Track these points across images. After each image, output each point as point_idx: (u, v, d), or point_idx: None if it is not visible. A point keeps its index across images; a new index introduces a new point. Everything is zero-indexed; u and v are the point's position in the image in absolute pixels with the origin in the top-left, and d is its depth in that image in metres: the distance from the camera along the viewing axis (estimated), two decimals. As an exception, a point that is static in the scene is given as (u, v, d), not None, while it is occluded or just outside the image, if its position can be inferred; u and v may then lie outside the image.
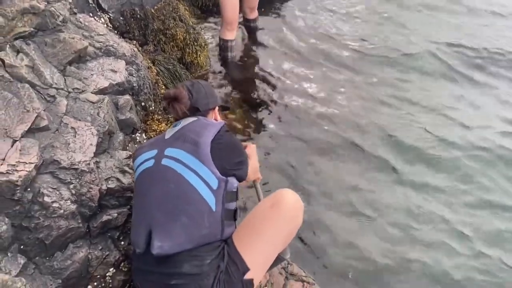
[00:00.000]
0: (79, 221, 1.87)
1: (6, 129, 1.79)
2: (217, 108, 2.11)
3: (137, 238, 1.69)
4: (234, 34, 3.68)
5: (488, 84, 3.82)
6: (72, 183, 1.86)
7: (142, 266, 1.71)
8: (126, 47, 2.60)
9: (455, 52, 4.12)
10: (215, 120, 2.03)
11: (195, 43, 3.50)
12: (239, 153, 1.84)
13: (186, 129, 1.79)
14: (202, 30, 3.92)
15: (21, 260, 1.73)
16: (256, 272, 1.70)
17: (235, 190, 1.77)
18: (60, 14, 2.27)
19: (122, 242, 2.05)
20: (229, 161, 1.74)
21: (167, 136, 1.81)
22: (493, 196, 2.86)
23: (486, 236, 2.63)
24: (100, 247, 1.97)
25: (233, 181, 1.75)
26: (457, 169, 3.00)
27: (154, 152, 1.77)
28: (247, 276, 1.67)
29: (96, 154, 2.02)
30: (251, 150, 2.15)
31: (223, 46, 3.72)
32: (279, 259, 1.88)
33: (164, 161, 1.71)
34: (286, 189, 1.85)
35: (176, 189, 1.66)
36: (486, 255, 2.53)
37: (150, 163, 1.75)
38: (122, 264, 2.03)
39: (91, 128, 2.06)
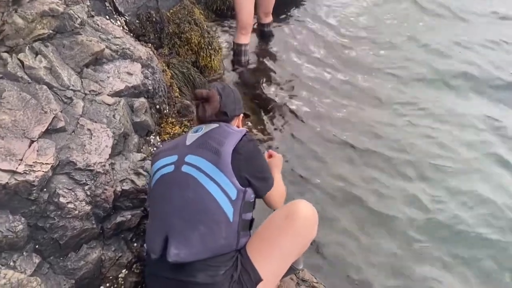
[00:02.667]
0: (93, 222, 1.89)
1: (24, 130, 1.82)
2: (241, 115, 2.08)
3: (153, 243, 1.69)
4: (248, 39, 3.70)
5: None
6: (87, 184, 1.88)
7: (156, 272, 1.71)
8: (142, 50, 2.62)
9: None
10: (238, 127, 2.00)
11: (210, 47, 3.52)
12: (259, 168, 1.79)
13: (208, 136, 1.76)
14: (217, 34, 3.94)
15: (36, 260, 1.75)
16: (268, 282, 1.70)
17: (253, 200, 1.76)
18: (78, 16, 2.31)
19: (135, 244, 2.06)
20: (248, 172, 1.71)
21: (188, 142, 1.78)
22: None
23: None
24: (113, 248, 1.98)
25: (251, 192, 1.73)
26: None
27: (174, 157, 1.75)
28: (260, 286, 1.67)
29: (111, 156, 2.04)
30: (276, 161, 2.09)
31: (237, 50, 3.73)
32: (291, 269, 1.87)
33: (185, 168, 1.70)
34: (302, 200, 1.84)
35: (195, 197, 1.65)
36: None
37: (170, 168, 1.73)
38: (135, 265, 2.04)
39: (106, 130, 2.08)
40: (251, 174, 1.72)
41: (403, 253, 2.52)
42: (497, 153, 3.10)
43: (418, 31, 4.39)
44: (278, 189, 1.91)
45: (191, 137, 1.81)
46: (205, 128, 1.82)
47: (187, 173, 1.69)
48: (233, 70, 3.76)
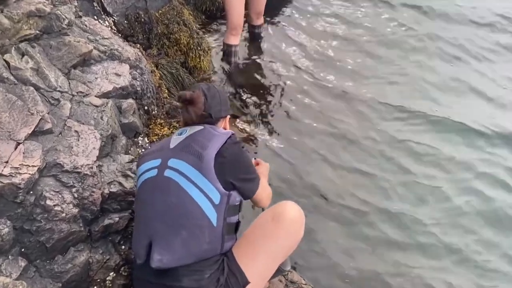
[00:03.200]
0: (81, 225, 1.88)
1: (10, 132, 1.80)
2: (228, 116, 2.05)
3: (138, 248, 1.69)
4: (238, 39, 3.69)
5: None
6: (75, 187, 1.86)
7: (142, 276, 1.71)
8: (130, 51, 2.61)
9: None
10: (224, 129, 1.98)
11: (199, 48, 3.51)
12: (244, 170, 1.77)
13: (192, 139, 1.74)
14: (206, 35, 3.93)
15: (22, 263, 1.74)
16: (256, 284, 1.70)
17: (238, 203, 1.74)
18: (66, 17, 2.29)
19: (123, 246, 2.05)
20: (233, 175, 1.69)
21: (172, 145, 1.76)
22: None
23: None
24: (101, 251, 1.97)
25: (236, 195, 1.71)
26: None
27: (158, 161, 1.73)
28: None
29: (98, 158, 2.02)
30: (262, 169, 2.08)
31: (227, 51, 3.73)
32: (279, 271, 1.87)
33: (167, 173, 1.68)
34: (288, 201, 1.84)
35: (177, 203, 1.64)
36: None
37: (153, 172, 1.72)
38: (123, 268, 2.03)
39: (94, 132, 2.06)
40: (236, 177, 1.70)
41: (390, 256, 2.55)
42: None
43: (411, 36, 4.40)
44: (265, 191, 1.90)
45: (175, 139, 1.78)
46: (190, 130, 1.79)
47: (169, 178, 1.67)
48: (223, 70, 3.75)
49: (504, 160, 3.15)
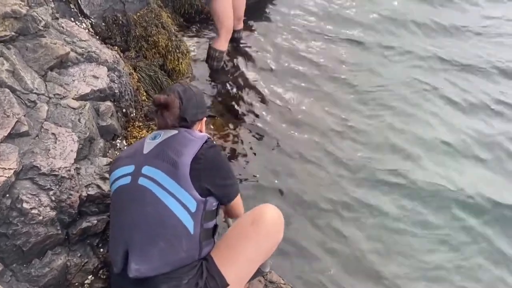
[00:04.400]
0: (58, 228, 1.86)
1: (-15, 134, 1.77)
2: (204, 119, 1.99)
3: (115, 256, 1.67)
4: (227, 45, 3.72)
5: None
6: (52, 190, 1.85)
7: (120, 284, 1.70)
8: (108, 53, 2.60)
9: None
10: (200, 131, 1.94)
11: (177, 50, 3.51)
12: (223, 175, 1.74)
13: (166, 144, 1.69)
14: (185, 38, 3.93)
15: (-2, 267, 1.71)
16: (234, 287, 1.71)
17: (215, 208, 1.73)
18: (42, 19, 2.26)
19: (101, 249, 2.04)
20: (209, 182, 1.67)
21: (145, 150, 1.71)
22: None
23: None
24: (79, 254, 1.96)
25: (212, 200, 1.70)
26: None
27: (131, 168, 1.69)
28: None
29: (76, 160, 2.01)
30: None
31: (218, 57, 3.69)
32: (258, 272, 1.89)
33: (141, 181, 1.65)
34: (268, 204, 1.84)
35: (153, 212, 1.61)
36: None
37: (127, 180, 1.68)
38: (101, 271, 2.02)
39: (72, 134, 2.05)
40: (213, 183, 1.68)
41: (372, 254, 2.60)
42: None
43: (396, 36, 4.52)
44: (239, 199, 1.90)
45: (148, 144, 1.73)
46: (164, 134, 1.74)
47: (144, 187, 1.64)
48: (202, 73, 3.76)
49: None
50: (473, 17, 4.88)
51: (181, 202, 1.61)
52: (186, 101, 1.83)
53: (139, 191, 1.65)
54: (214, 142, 1.81)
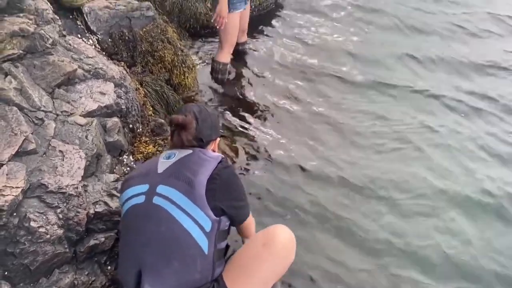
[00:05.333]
0: (66, 246, 1.85)
1: (-7, 153, 1.77)
2: (218, 138, 2.00)
3: (126, 277, 1.66)
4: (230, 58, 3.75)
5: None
6: (59, 207, 1.84)
7: None
8: (115, 69, 2.61)
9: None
10: (213, 151, 1.94)
11: (183, 65, 3.52)
12: (237, 195, 1.75)
13: (181, 164, 1.69)
14: (190, 52, 3.95)
15: (5, 287, 1.70)
16: None
17: (227, 228, 1.73)
18: (50, 36, 2.28)
19: (109, 267, 2.02)
20: (224, 202, 1.66)
21: (160, 169, 1.70)
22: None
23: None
24: (86, 272, 1.94)
25: (225, 220, 1.69)
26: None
27: (145, 187, 1.68)
28: None
29: (84, 177, 2.01)
30: None
31: (222, 69, 3.73)
32: None
33: (156, 200, 1.64)
34: (279, 225, 1.83)
35: (168, 231, 1.60)
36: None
37: (141, 199, 1.67)
38: (109, 289, 2.01)
39: (79, 151, 2.05)
40: (227, 204, 1.68)
41: (381, 275, 2.55)
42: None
43: (397, 47, 4.51)
44: (251, 219, 1.90)
45: (162, 163, 1.73)
46: (178, 154, 1.74)
47: (158, 205, 1.63)
48: (208, 87, 3.77)
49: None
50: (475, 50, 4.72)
51: (197, 222, 1.60)
52: (201, 121, 1.84)
53: (154, 210, 1.63)
54: (229, 162, 1.81)
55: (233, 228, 1.87)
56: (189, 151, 1.76)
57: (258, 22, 4.58)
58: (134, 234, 1.67)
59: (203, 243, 1.61)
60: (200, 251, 1.61)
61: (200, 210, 1.60)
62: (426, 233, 2.74)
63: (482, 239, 2.72)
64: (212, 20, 3.47)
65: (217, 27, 3.46)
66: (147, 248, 1.62)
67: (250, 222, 1.88)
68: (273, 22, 4.75)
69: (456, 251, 2.62)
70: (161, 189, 1.65)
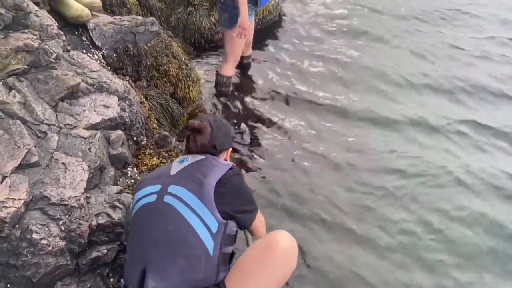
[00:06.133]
0: (68, 258, 1.85)
1: (-4, 165, 1.79)
2: (230, 149, 2.07)
3: (131, 274, 1.66)
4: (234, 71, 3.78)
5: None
6: (62, 219, 1.84)
7: None
8: (119, 83, 2.63)
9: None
10: (225, 160, 2.00)
11: (188, 79, 3.55)
12: (245, 201, 1.80)
13: (193, 167, 1.76)
14: (195, 66, 3.99)
15: (7, 300, 1.70)
16: None
17: (234, 233, 1.75)
18: (54, 51, 2.31)
19: (112, 279, 2.01)
20: (232, 207, 1.70)
21: (173, 172, 1.77)
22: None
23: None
24: (89, 285, 1.93)
25: (232, 224, 1.72)
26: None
27: (157, 187, 1.74)
28: None
29: (86, 189, 2.01)
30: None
31: (226, 82, 3.76)
32: None
33: (166, 198, 1.69)
34: (281, 231, 1.83)
35: (175, 229, 1.64)
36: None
37: (152, 198, 1.72)
38: (111, 302, 1.99)
39: (82, 164, 2.06)
40: (235, 209, 1.71)
41: (392, 274, 2.52)
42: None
43: (396, 63, 4.49)
44: (261, 221, 1.94)
45: (176, 167, 1.80)
46: (191, 159, 1.82)
47: (168, 204, 1.68)
48: (213, 100, 3.79)
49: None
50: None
51: (203, 221, 1.64)
52: (216, 129, 1.92)
53: (164, 208, 1.68)
54: (239, 170, 1.86)
55: (239, 236, 1.87)
56: (202, 157, 1.83)
57: (263, 35, 4.61)
58: (142, 233, 1.70)
59: (209, 243, 1.63)
60: (205, 251, 1.62)
61: (208, 211, 1.64)
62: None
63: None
64: (233, 34, 3.42)
65: (237, 38, 3.42)
66: (153, 245, 1.65)
67: (259, 223, 1.91)
68: (277, 34, 4.79)
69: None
70: (172, 188, 1.70)
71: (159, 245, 1.64)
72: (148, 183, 1.79)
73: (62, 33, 2.50)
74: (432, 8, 5.46)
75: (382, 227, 2.79)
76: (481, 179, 3.16)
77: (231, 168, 1.77)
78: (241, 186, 1.79)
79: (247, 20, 3.33)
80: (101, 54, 3.10)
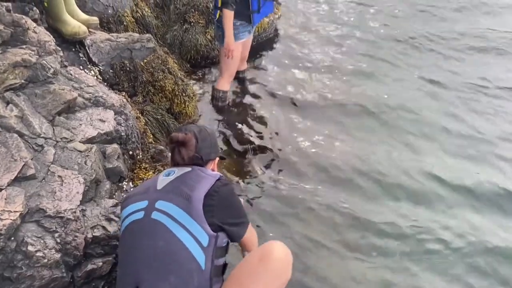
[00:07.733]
0: (63, 271, 1.85)
1: (-8, 178, 1.80)
2: (217, 159, 2.06)
3: None
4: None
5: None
6: (57, 232, 1.85)
7: None
8: (115, 97, 2.67)
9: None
10: (213, 170, 1.98)
11: (184, 94, 3.58)
12: (234, 214, 1.78)
13: (180, 180, 1.74)
14: (191, 82, 4.03)
15: (2, 312, 1.69)
16: None
17: (225, 245, 1.74)
18: (51, 66, 2.35)
19: (107, 292, 2.01)
20: (221, 219, 1.69)
21: (159, 186, 1.75)
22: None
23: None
24: (83, 298, 1.93)
25: (223, 236, 1.70)
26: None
27: (144, 203, 1.71)
28: None
29: (82, 202, 2.02)
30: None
31: (222, 97, 3.82)
32: None
33: (154, 215, 1.66)
34: (276, 241, 1.81)
35: (165, 246, 1.62)
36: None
37: (140, 215, 1.70)
38: (106, 315, 1.98)
39: (78, 177, 2.07)
40: (225, 221, 1.70)
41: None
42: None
43: (396, 69, 4.58)
44: (252, 234, 1.91)
45: (162, 181, 1.78)
46: (178, 171, 1.80)
47: (157, 220, 1.65)
48: (209, 115, 3.82)
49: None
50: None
51: (194, 236, 1.62)
52: (201, 140, 1.90)
53: (153, 225, 1.66)
54: (227, 180, 1.84)
55: (231, 247, 1.87)
56: (189, 169, 1.80)
57: (258, 50, 4.67)
58: (132, 251, 1.68)
59: (200, 258, 1.62)
60: (197, 266, 1.61)
61: (197, 225, 1.62)
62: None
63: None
64: (221, 53, 3.53)
65: (225, 57, 3.55)
66: (144, 263, 1.63)
67: (250, 237, 1.88)
68: (273, 50, 4.86)
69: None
70: (160, 204, 1.68)
71: (150, 263, 1.62)
72: (134, 200, 1.76)
73: (60, 49, 2.55)
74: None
75: (378, 235, 2.80)
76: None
77: (218, 179, 1.75)
78: (230, 197, 1.77)
79: (232, 41, 3.44)
80: (97, 70, 3.14)
